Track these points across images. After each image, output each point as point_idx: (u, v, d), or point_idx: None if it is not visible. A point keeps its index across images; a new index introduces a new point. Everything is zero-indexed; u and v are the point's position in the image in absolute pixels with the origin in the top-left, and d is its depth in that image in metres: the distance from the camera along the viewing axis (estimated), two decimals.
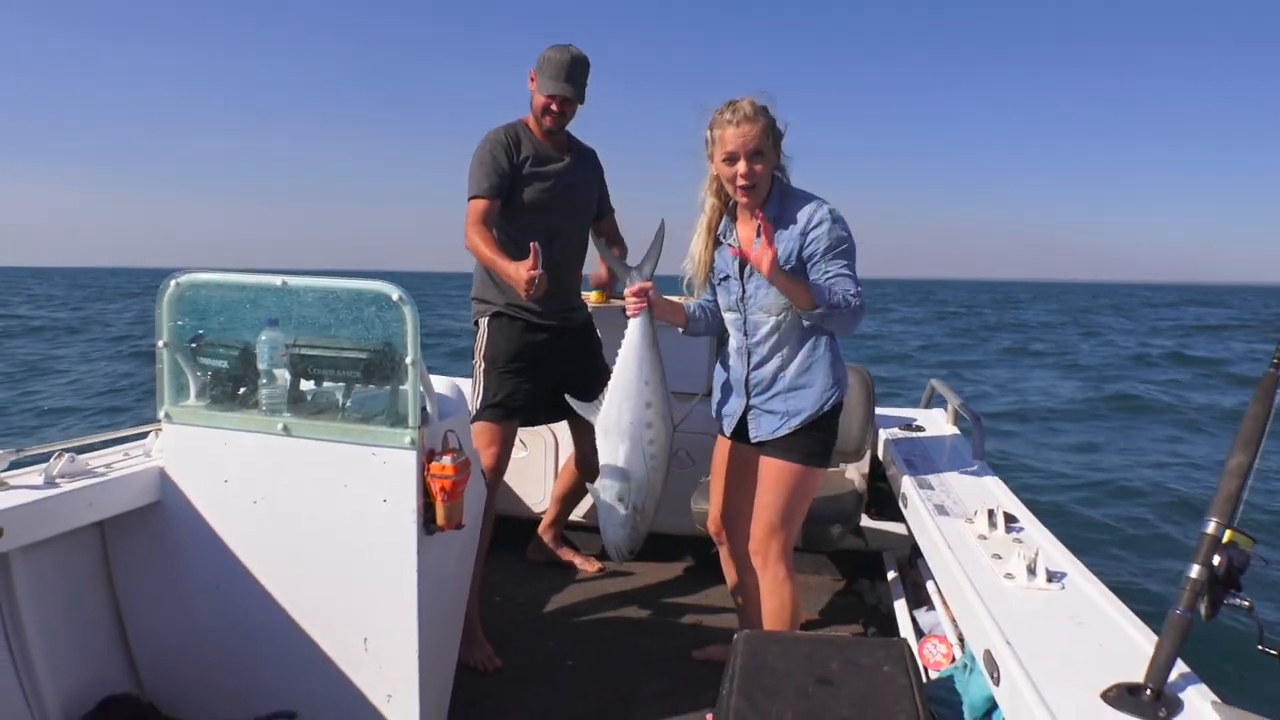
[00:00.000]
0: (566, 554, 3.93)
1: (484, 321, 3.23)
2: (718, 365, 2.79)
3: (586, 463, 3.66)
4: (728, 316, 2.67)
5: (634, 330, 2.63)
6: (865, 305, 2.46)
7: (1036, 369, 19.88)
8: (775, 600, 2.68)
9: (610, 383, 2.67)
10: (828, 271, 2.43)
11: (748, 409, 2.66)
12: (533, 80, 3.13)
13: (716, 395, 2.81)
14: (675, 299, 2.77)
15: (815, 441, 2.59)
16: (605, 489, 2.67)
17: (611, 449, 2.65)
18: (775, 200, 2.52)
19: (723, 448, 2.83)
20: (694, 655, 3.11)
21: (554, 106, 3.10)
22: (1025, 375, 18.51)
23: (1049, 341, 28.01)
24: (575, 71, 3.09)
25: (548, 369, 3.25)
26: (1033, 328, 35.95)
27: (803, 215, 2.46)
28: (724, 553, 2.92)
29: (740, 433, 2.72)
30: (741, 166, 2.43)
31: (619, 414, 2.63)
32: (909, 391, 13.53)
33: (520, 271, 2.69)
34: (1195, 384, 17.09)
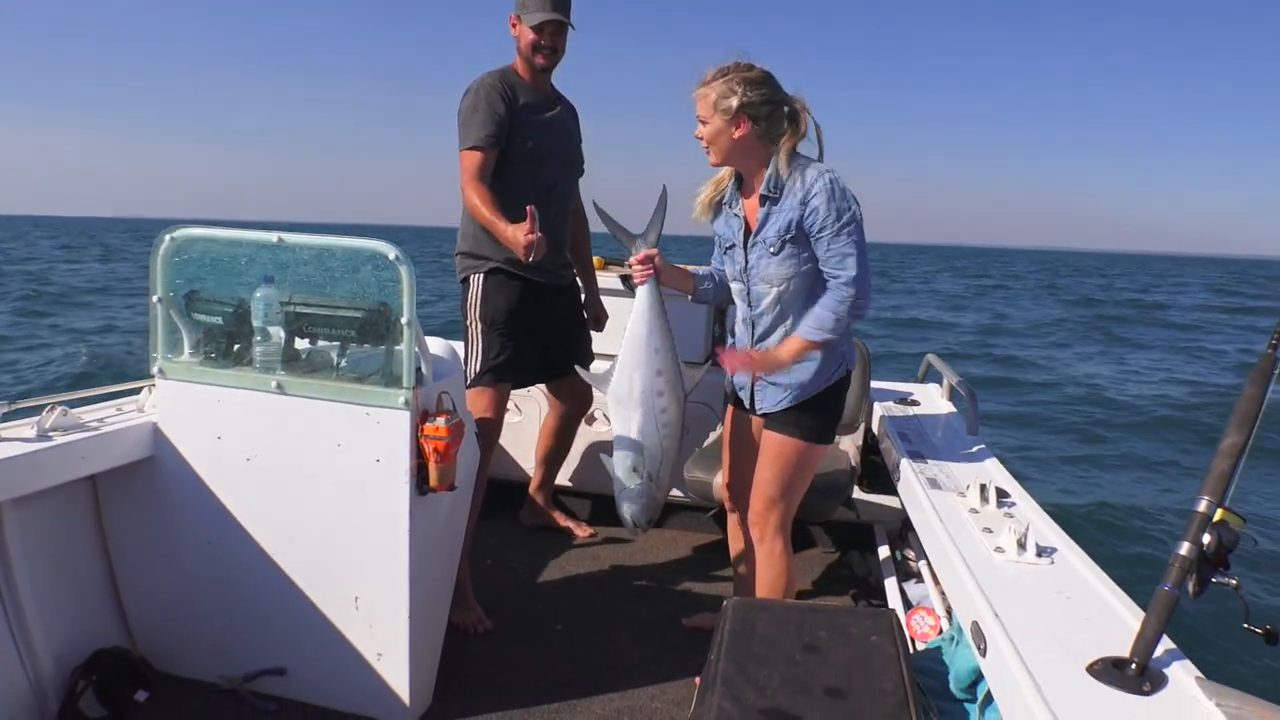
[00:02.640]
0: (560, 518, 3.93)
1: (477, 278, 3.11)
2: (731, 333, 2.78)
3: (563, 423, 3.66)
4: (733, 286, 2.64)
5: (642, 298, 2.60)
6: (867, 282, 2.40)
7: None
8: (771, 571, 2.69)
9: (620, 352, 2.63)
10: (830, 252, 2.39)
11: (754, 380, 2.64)
12: (514, 24, 3.01)
13: None
14: (682, 266, 2.75)
15: (817, 417, 2.57)
16: (620, 459, 2.64)
17: (624, 419, 2.61)
18: (772, 174, 2.47)
19: (731, 417, 2.81)
20: (684, 622, 3.13)
21: (544, 40, 2.98)
22: None
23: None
24: None
25: (540, 329, 3.21)
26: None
27: (801, 184, 2.41)
28: (733, 519, 2.91)
29: (750, 406, 2.71)
30: (698, 133, 2.47)
31: (630, 383, 2.60)
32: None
33: (518, 235, 2.61)
34: None
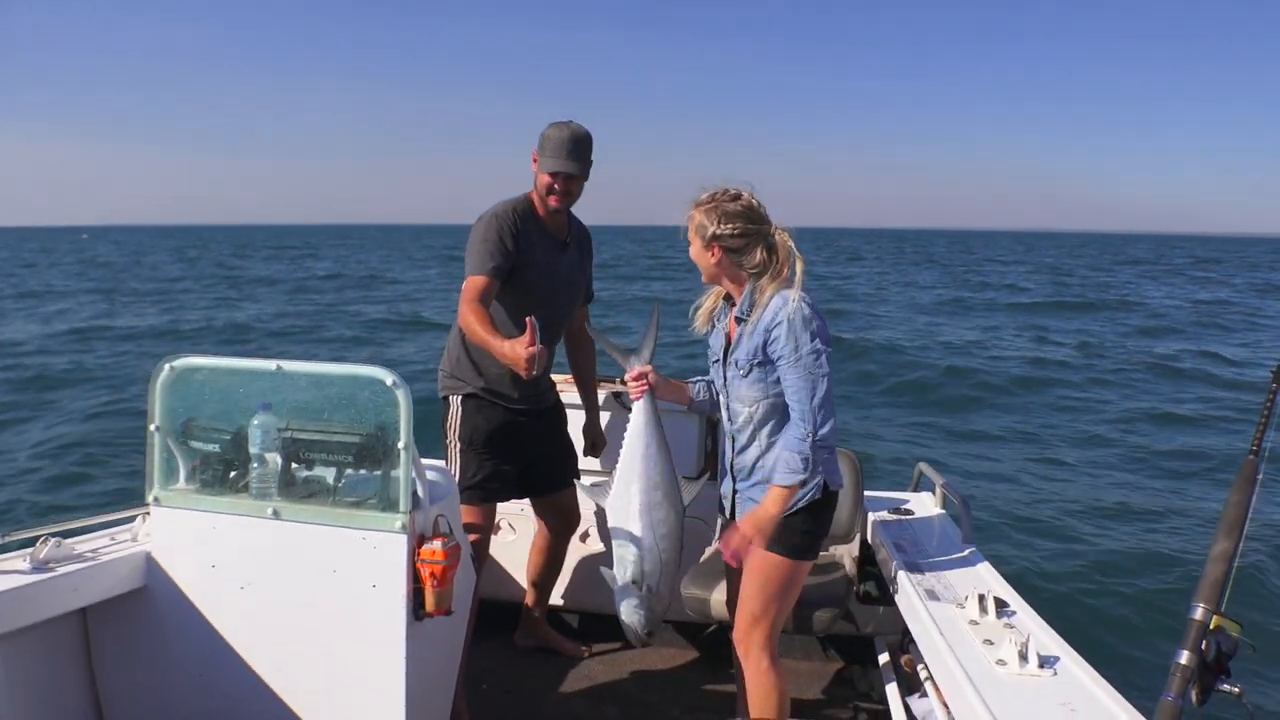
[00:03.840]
0: (554, 639, 3.87)
1: (456, 400, 3.18)
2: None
3: (551, 542, 3.64)
4: (720, 398, 2.70)
5: (638, 414, 2.67)
6: (828, 412, 2.41)
7: None
8: (760, 690, 2.62)
9: (618, 466, 2.69)
10: (788, 382, 2.43)
11: (735, 493, 2.67)
12: (535, 161, 3.12)
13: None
14: (674, 380, 2.81)
15: (796, 532, 2.51)
16: (620, 572, 2.66)
17: (622, 532, 2.65)
18: (746, 298, 2.54)
19: (724, 530, 2.80)
20: None
21: (557, 185, 3.08)
22: None
23: None
24: (577, 148, 3.06)
25: (521, 450, 3.26)
26: None
27: (768, 312, 2.45)
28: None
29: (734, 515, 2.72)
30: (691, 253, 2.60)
31: (628, 496, 2.64)
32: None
33: (518, 349, 2.63)
34: None
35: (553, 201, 3.12)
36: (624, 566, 2.64)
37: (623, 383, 2.72)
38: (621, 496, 2.64)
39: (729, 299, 2.67)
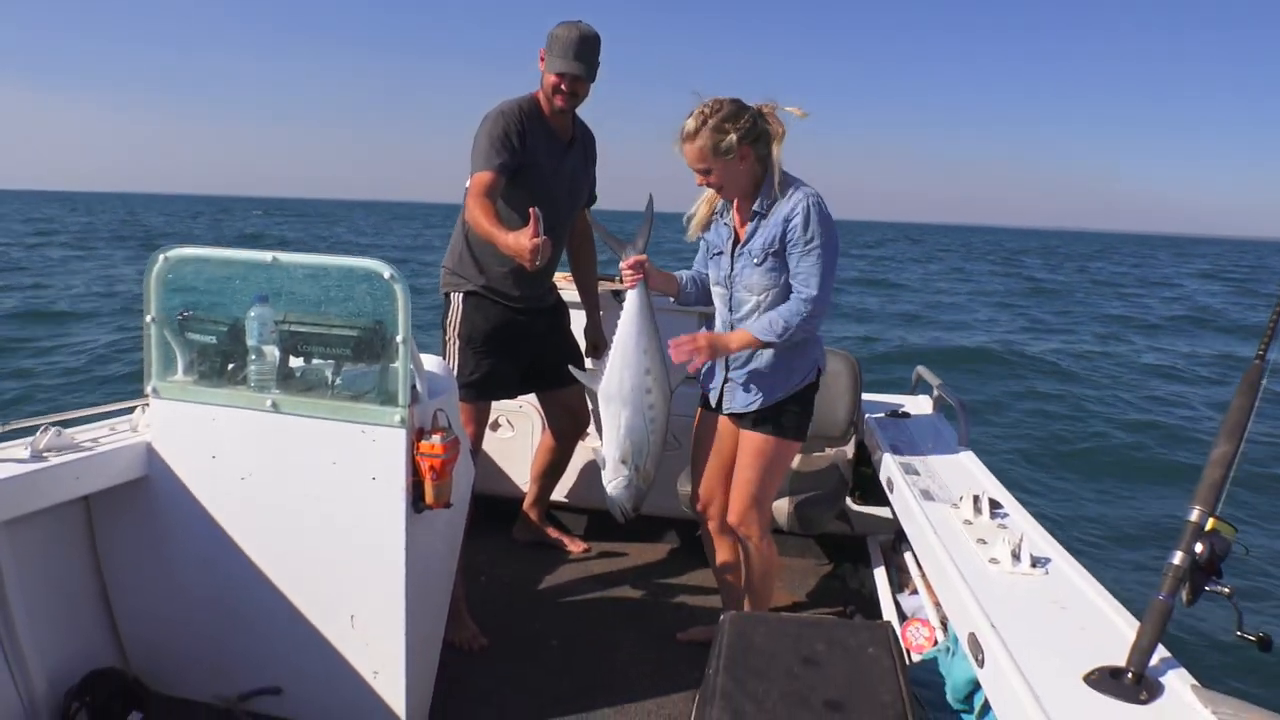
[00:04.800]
0: (553, 534, 3.93)
1: (457, 297, 3.18)
2: None
3: (558, 441, 3.68)
4: (715, 290, 2.78)
5: (631, 301, 2.70)
6: (826, 302, 2.57)
7: None
8: (763, 564, 2.85)
9: (611, 351, 2.73)
10: (798, 267, 2.56)
11: (725, 381, 2.78)
12: (542, 59, 3.06)
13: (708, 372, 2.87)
14: (666, 272, 2.84)
15: (791, 415, 2.72)
16: (609, 452, 2.73)
17: (614, 414, 2.71)
18: (764, 194, 2.62)
19: (703, 422, 2.91)
20: (678, 637, 3.14)
21: (564, 86, 3.02)
22: None
23: None
24: (585, 49, 3.01)
25: (521, 349, 3.27)
26: None
27: (786, 204, 2.57)
28: (711, 527, 2.98)
29: (720, 406, 2.83)
30: (699, 181, 2.62)
31: (620, 381, 2.69)
32: None
33: (522, 240, 2.62)
34: None
35: (559, 101, 3.06)
36: (614, 446, 2.72)
37: (619, 277, 2.73)
38: (614, 380, 2.69)
39: (726, 208, 2.73)
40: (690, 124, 2.55)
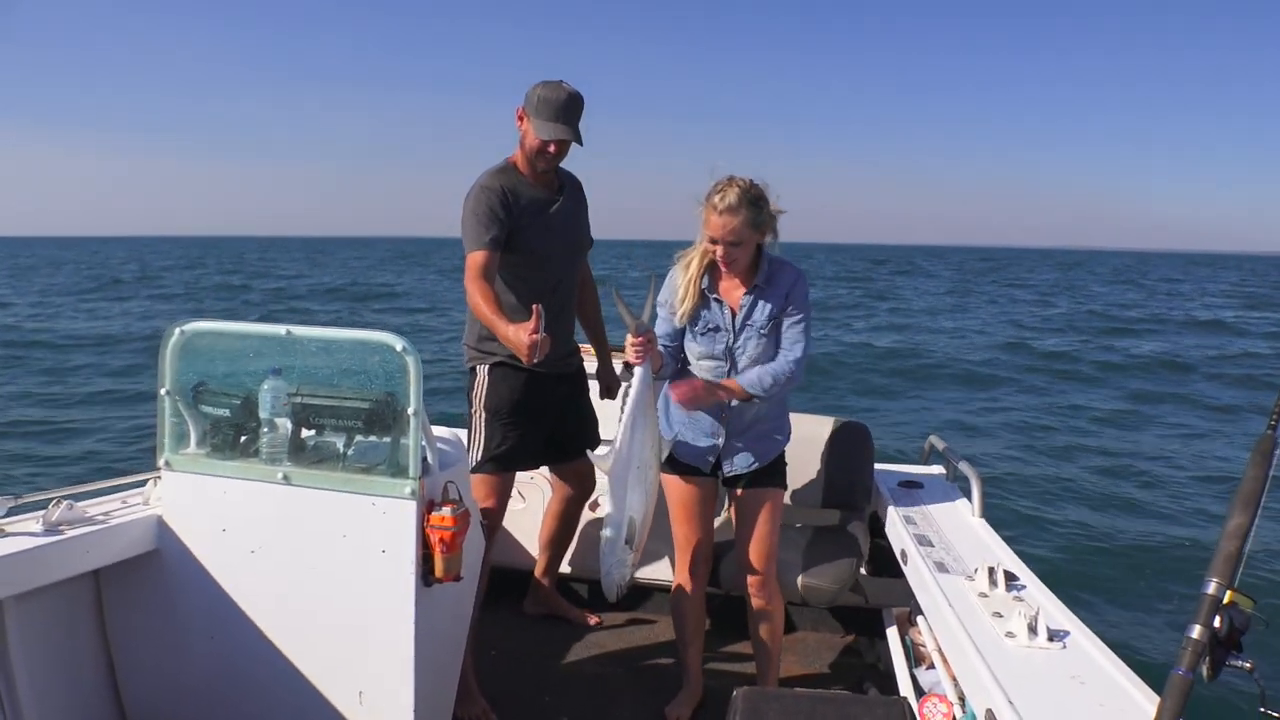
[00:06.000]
0: (563, 607, 3.88)
1: (483, 369, 3.16)
2: (674, 414, 2.92)
3: (566, 506, 3.65)
4: (706, 364, 2.84)
5: (639, 377, 2.71)
6: (804, 364, 2.80)
7: None
8: (780, 616, 3.00)
9: (622, 430, 2.71)
10: (788, 334, 2.79)
11: (724, 448, 2.86)
12: (521, 120, 3.03)
13: (680, 437, 2.90)
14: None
15: (782, 469, 2.95)
16: (614, 533, 2.72)
17: (621, 493, 2.71)
18: (765, 269, 2.79)
19: (687, 489, 2.92)
20: (667, 713, 3.07)
21: (552, 150, 3.01)
22: None
23: None
24: (571, 111, 2.99)
25: (544, 418, 3.25)
26: None
27: (785, 282, 2.80)
28: (696, 598, 3.02)
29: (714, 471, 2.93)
30: (719, 251, 2.69)
31: (628, 458, 2.69)
32: None
33: (521, 336, 2.58)
34: None
35: (542, 164, 3.05)
36: (620, 527, 2.71)
37: (627, 344, 2.74)
38: (622, 460, 2.69)
39: (711, 272, 2.81)
40: (732, 198, 2.64)
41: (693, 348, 2.86)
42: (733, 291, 2.81)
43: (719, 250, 2.69)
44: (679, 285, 2.81)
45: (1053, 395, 14.25)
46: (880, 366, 16.72)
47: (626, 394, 2.75)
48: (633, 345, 2.70)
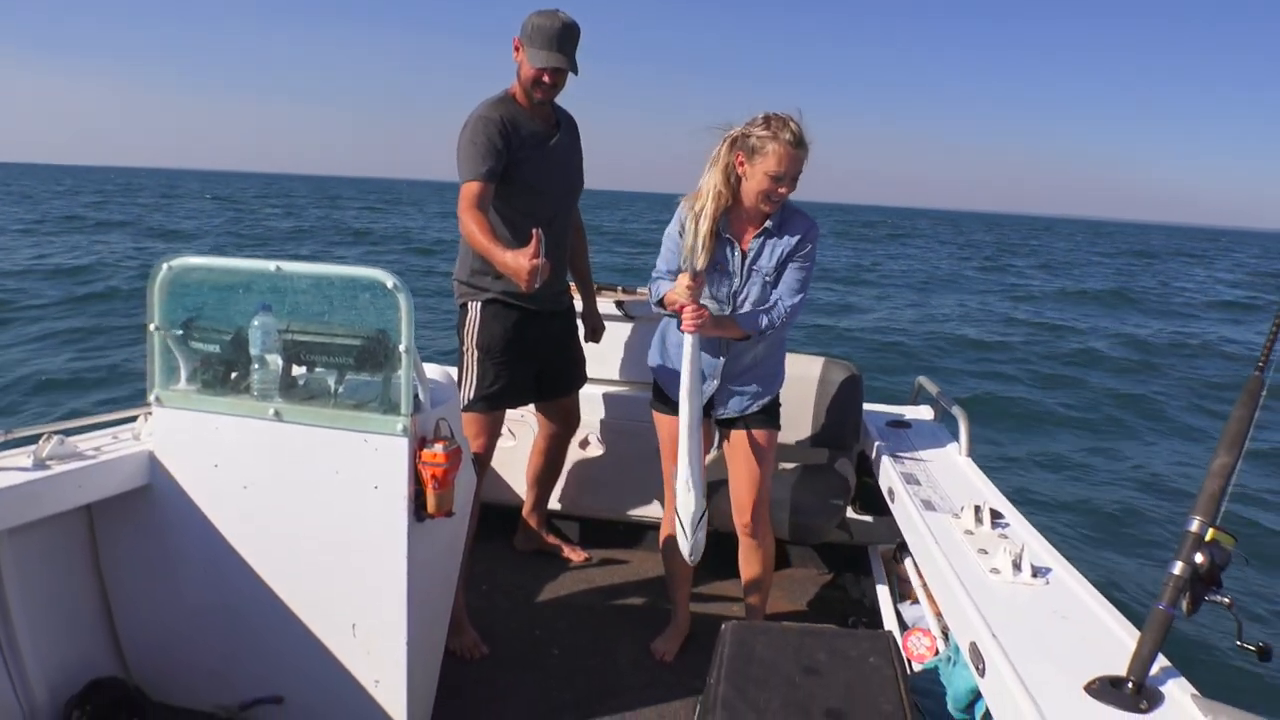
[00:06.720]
0: (554, 542, 3.93)
1: (475, 305, 3.13)
2: (671, 351, 2.88)
3: (551, 443, 3.67)
4: (711, 305, 2.75)
5: (691, 343, 2.65)
6: (800, 309, 2.79)
7: None
8: (770, 555, 3.02)
9: (683, 382, 2.66)
10: (789, 281, 2.75)
11: (718, 390, 2.86)
12: (518, 50, 2.99)
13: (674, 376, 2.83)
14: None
15: (776, 411, 2.94)
16: (695, 507, 2.67)
17: (690, 469, 2.65)
18: (778, 214, 2.74)
19: (670, 424, 2.84)
20: (653, 648, 3.12)
21: (546, 79, 2.97)
22: None
23: None
24: (566, 40, 2.94)
25: (534, 354, 3.24)
26: None
27: (799, 228, 2.75)
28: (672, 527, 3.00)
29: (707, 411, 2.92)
30: (782, 189, 2.63)
31: (689, 435, 2.65)
32: None
33: (521, 261, 2.58)
34: None
35: (539, 94, 3.01)
36: (699, 502, 2.67)
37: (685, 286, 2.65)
38: (688, 414, 2.64)
39: (725, 214, 2.73)
40: (800, 131, 2.59)
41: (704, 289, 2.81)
42: (743, 234, 2.77)
43: (781, 190, 2.63)
44: (699, 233, 2.70)
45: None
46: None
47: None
48: (689, 288, 2.62)
